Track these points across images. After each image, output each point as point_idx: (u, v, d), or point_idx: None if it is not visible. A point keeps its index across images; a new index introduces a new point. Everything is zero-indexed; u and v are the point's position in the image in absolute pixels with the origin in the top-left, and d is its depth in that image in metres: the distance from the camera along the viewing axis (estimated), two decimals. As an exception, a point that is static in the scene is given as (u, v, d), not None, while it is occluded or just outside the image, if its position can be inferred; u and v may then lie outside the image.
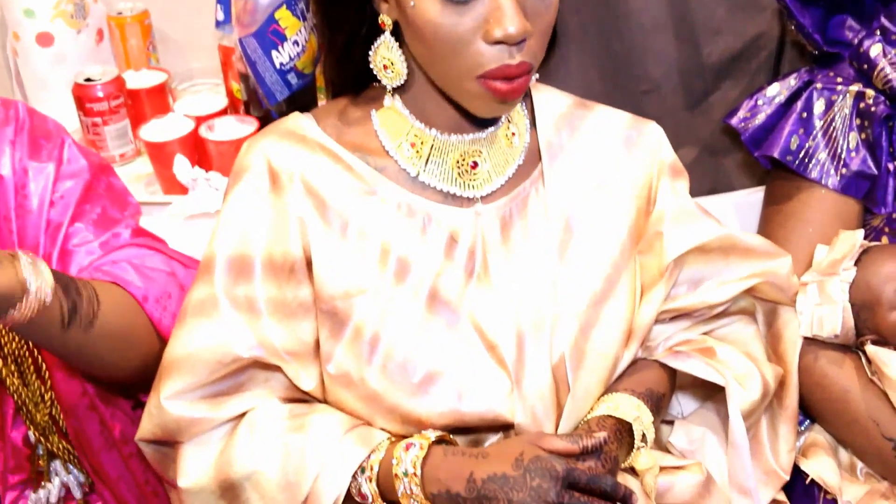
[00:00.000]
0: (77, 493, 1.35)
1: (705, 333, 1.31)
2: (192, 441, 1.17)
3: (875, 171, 1.40)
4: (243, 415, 1.17)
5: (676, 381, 1.31)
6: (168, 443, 1.19)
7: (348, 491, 1.12)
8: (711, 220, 1.29)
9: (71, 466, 1.33)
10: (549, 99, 1.29)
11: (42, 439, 1.30)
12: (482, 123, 1.21)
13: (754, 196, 1.61)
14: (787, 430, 1.33)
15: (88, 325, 1.13)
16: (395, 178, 1.20)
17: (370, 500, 1.12)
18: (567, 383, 1.17)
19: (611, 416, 1.18)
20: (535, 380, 1.18)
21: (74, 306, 1.11)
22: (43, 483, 1.32)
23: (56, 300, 1.08)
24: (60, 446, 1.31)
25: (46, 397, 1.27)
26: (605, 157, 1.27)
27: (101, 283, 1.19)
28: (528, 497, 1.05)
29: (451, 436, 1.16)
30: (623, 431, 1.18)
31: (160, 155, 1.66)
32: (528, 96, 1.29)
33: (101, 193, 1.33)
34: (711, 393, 1.34)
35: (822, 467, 1.33)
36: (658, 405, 1.24)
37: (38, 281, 1.05)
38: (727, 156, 1.71)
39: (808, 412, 1.40)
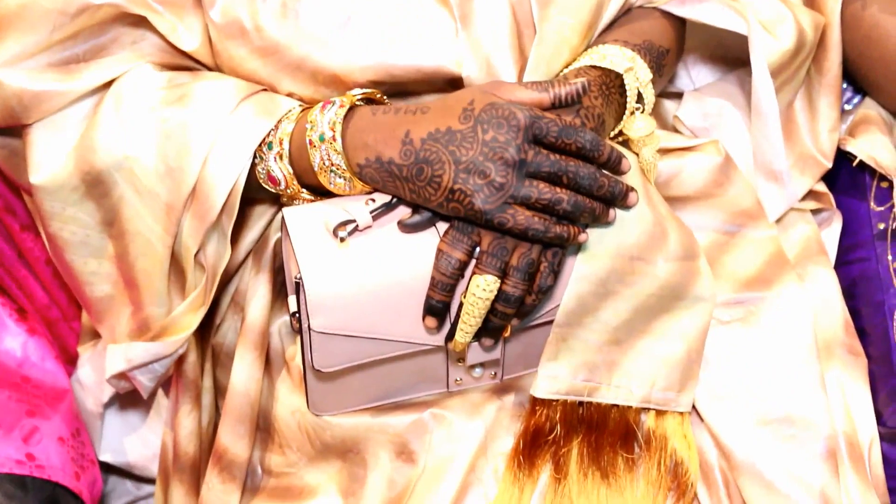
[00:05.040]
0: None
1: (720, -35, 1.12)
2: (43, 123, 1.00)
3: None
4: (108, 87, 0.99)
5: (686, 41, 1.13)
6: (13, 131, 1.01)
7: (252, 176, 0.96)
8: None
9: None
10: None
11: None
12: None
13: None
14: (827, 104, 1.16)
15: None
16: None
17: (283, 184, 0.96)
18: (532, 24, 1.02)
19: (595, 67, 1.01)
20: (488, 17, 1.01)
21: None
22: None
23: None
24: None
25: None
26: None
27: None
28: (479, 155, 0.88)
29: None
30: (611, 87, 1.01)
31: None
32: None
33: None
34: (735, 63, 1.19)
35: (875, 145, 1.15)
36: (659, 63, 1.07)
37: None
38: None
39: (857, 79, 1.21)
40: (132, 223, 1.00)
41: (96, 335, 1.14)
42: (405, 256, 0.96)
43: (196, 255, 0.99)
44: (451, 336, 0.97)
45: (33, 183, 0.99)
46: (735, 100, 1.14)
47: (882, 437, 1.07)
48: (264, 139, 0.95)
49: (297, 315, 0.98)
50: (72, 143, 1.00)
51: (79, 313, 1.21)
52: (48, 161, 0.99)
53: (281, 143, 0.95)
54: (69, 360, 1.18)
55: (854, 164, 1.17)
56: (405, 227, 0.96)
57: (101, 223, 1.02)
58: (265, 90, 0.99)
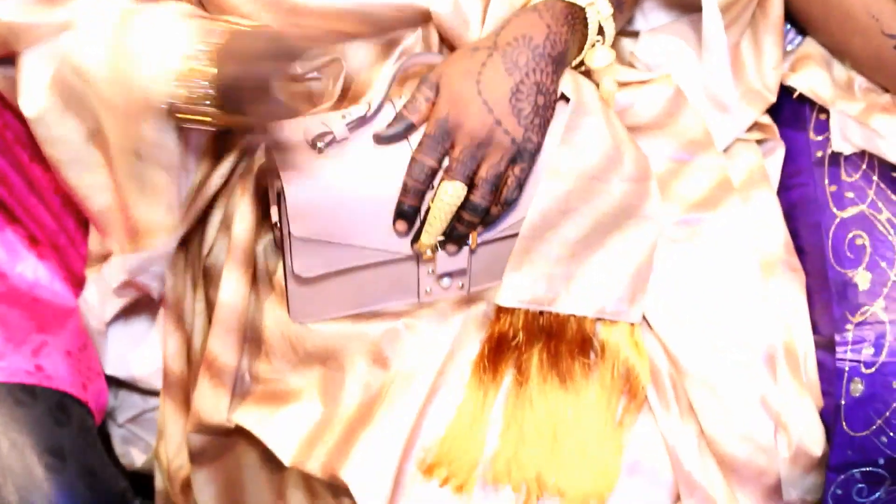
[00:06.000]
0: None
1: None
2: (31, 51, 1.05)
3: None
4: None
5: None
6: (10, 61, 1.07)
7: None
8: None
9: None
10: None
11: None
12: None
13: None
14: (771, 42, 1.20)
15: None
16: None
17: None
18: None
19: (560, 0, 1.05)
20: None
21: None
22: None
23: None
24: None
25: None
26: None
27: None
28: None
29: (360, 38, 1.06)
30: (576, 19, 1.05)
31: None
32: None
33: None
34: (688, 9, 1.21)
35: (814, 79, 1.20)
36: (619, 1, 1.11)
37: None
38: None
39: (798, 20, 1.25)
40: (108, 132, 1.05)
41: (102, 259, 1.19)
42: (379, 166, 1.00)
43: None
44: (417, 237, 1.02)
45: (22, 109, 1.05)
46: (687, 39, 1.17)
47: (817, 345, 1.12)
48: (195, 50, 0.99)
49: (279, 224, 1.02)
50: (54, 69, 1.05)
51: (86, 239, 1.25)
52: (35, 88, 1.05)
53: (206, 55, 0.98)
54: (77, 283, 1.23)
55: (794, 96, 1.21)
56: (380, 139, 1.00)
57: (86, 137, 1.08)
58: (212, 18, 1.04)
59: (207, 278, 1.18)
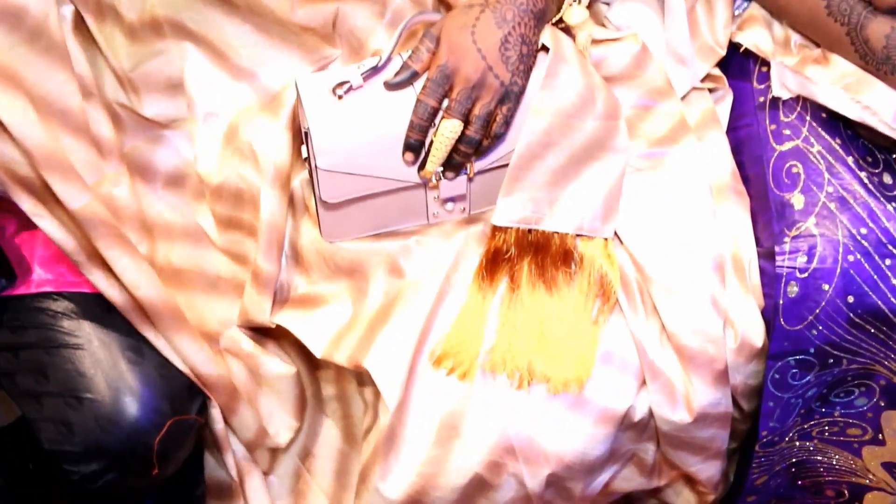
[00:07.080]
0: None
1: None
2: None
3: None
4: None
5: None
6: None
7: None
8: None
9: None
10: None
11: None
12: None
13: None
14: (722, 4, 1.30)
15: None
16: None
17: None
18: None
19: None
20: None
21: None
22: None
23: None
24: None
25: None
26: None
27: None
28: None
29: None
30: None
31: None
32: None
33: None
34: None
35: (757, 37, 1.29)
36: None
37: None
38: None
39: None
40: None
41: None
42: (390, 108, 1.09)
43: None
44: (422, 166, 1.12)
45: None
46: (651, 4, 1.27)
47: (760, 255, 1.21)
48: None
49: (308, 159, 1.12)
50: None
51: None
52: None
53: None
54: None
55: (741, 51, 1.29)
56: (390, 85, 1.10)
57: None
58: None
59: (219, 194, 1.22)
